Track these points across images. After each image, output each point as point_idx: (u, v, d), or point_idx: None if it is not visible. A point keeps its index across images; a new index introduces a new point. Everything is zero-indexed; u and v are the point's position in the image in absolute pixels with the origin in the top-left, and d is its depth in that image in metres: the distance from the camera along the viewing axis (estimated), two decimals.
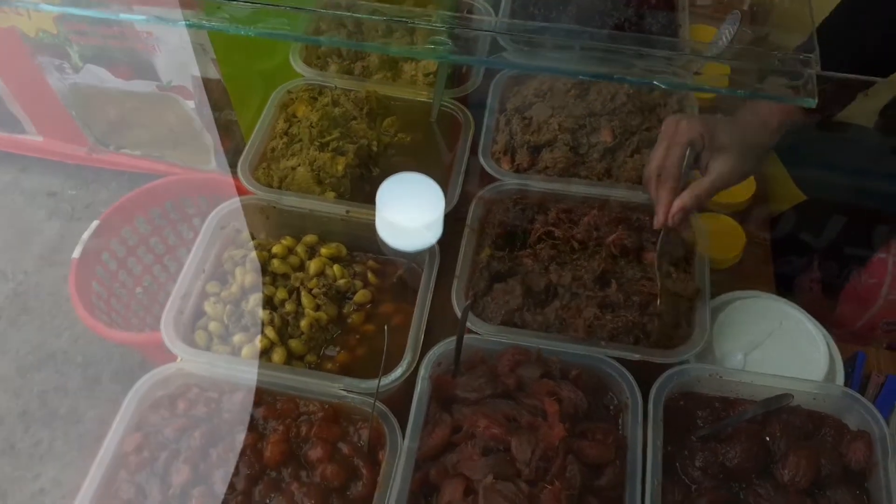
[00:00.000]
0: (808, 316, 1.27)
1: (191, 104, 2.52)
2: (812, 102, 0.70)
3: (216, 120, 2.50)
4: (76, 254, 2.04)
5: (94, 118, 2.71)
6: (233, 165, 1.40)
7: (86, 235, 2.07)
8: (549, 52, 0.79)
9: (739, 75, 0.73)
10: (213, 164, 2.69)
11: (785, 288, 1.44)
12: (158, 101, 2.54)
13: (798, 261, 1.69)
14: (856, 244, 1.57)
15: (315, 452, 1.06)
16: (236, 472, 1.04)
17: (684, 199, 1.15)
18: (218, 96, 2.40)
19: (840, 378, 1.22)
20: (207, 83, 2.39)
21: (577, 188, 1.34)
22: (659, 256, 1.21)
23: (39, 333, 2.55)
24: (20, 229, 2.85)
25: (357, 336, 1.26)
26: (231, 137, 2.43)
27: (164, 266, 2.29)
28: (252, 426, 1.09)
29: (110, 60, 2.44)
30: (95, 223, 2.10)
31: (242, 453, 1.05)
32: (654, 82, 0.74)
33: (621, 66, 0.72)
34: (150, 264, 2.27)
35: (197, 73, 2.40)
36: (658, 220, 1.18)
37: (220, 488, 1.03)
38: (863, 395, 1.15)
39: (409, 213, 1.27)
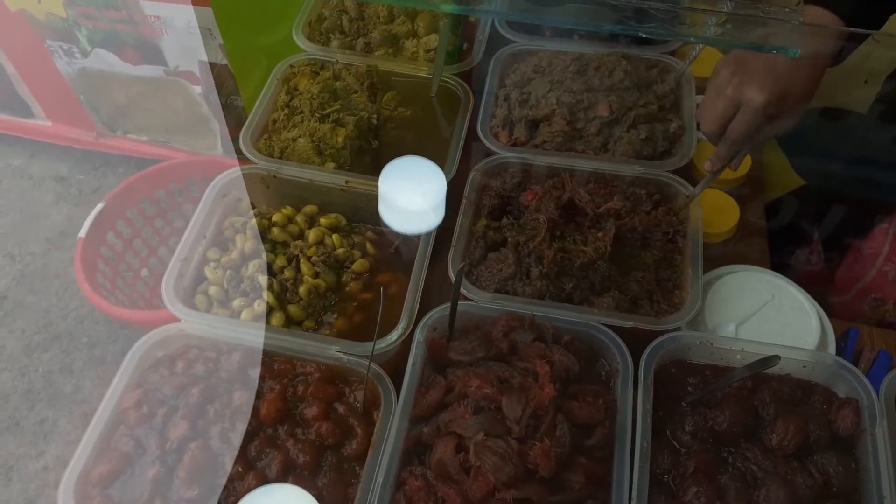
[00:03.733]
0: (801, 290, 1.28)
1: (198, 89, 2.54)
2: (796, 53, 0.71)
3: (223, 105, 2.53)
4: (82, 233, 2.06)
5: (103, 103, 2.73)
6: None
7: (92, 215, 2.10)
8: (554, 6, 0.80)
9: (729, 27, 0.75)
10: (219, 149, 2.71)
11: (784, 264, 1.45)
12: (166, 86, 2.56)
13: (796, 245, 1.70)
14: (854, 226, 1.58)
15: (311, 411, 1.08)
16: (232, 428, 1.05)
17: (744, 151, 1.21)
18: (225, 81, 2.43)
19: (831, 351, 1.23)
20: (214, 68, 2.42)
21: (574, 162, 1.36)
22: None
23: (46, 314, 2.58)
24: (28, 213, 2.88)
25: (354, 304, 1.28)
26: (237, 123, 2.45)
27: (170, 248, 2.31)
28: (249, 385, 1.11)
29: (119, 45, 2.46)
30: (101, 204, 2.12)
31: (239, 410, 1.07)
32: (641, 33, 0.75)
33: (619, 18, 0.74)
34: (155, 246, 2.29)
35: (204, 57, 2.41)
36: (713, 167, 1.23)
37: (217, 443, 1.04)
38: None
39: (413, 197, 1.29)
